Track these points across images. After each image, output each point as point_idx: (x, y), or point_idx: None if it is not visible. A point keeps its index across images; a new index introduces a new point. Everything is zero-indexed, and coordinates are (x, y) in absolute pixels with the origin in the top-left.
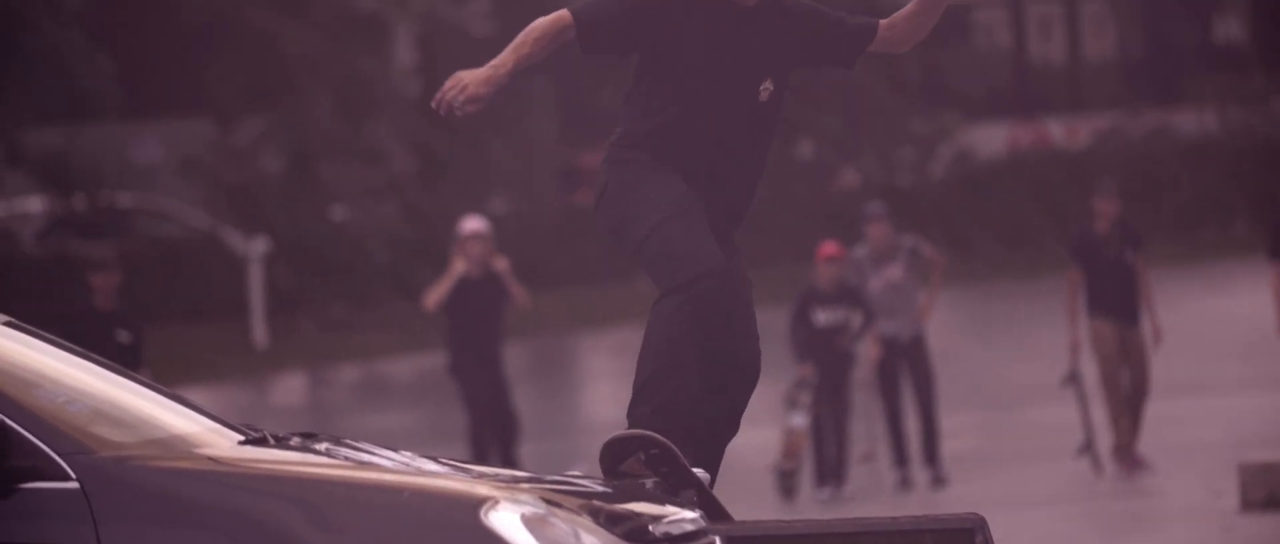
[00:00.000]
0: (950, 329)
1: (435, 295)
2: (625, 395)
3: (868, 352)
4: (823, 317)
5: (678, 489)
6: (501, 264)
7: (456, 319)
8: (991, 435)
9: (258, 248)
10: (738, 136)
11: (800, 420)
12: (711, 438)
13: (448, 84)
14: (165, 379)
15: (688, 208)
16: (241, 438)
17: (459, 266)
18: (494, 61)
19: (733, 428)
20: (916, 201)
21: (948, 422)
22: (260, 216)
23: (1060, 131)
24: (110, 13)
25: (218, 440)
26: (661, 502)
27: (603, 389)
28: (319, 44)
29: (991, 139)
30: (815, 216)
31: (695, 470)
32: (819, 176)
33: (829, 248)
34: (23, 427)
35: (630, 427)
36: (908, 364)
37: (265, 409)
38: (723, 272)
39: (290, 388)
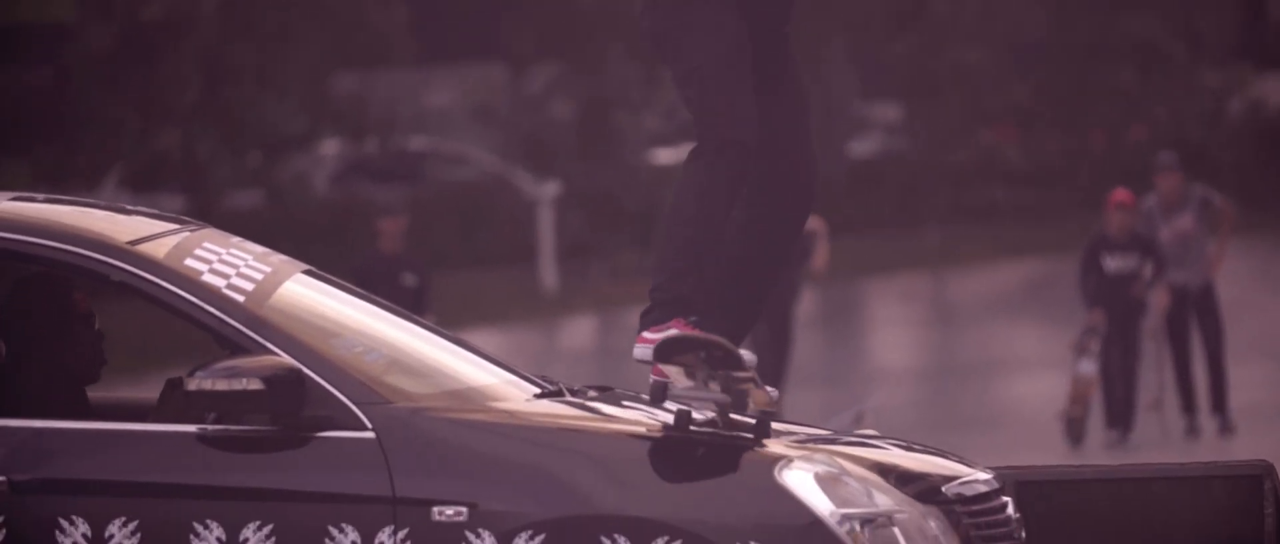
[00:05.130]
0: (1239, 280)
1: None
2: (912, 341)
3: (1158, 300)
4: (1112, 263)
5: (730, 389)
6: (817, 223)
7: None
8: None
9: (548, 192)
10: None
11: (1089, 367)
12: (749, 287)
13: None
14: (454, 323)
15: (736, 58)
16: (537, 391)
17: None
18: None
19: (780, 249)
20: (1207, 153)
21: (1235, 372)
22: (552, 162)
23: None
24: None
25: (513, 393)
26: (955, 461)
27: (890, 335)
28: None
29: None
30: (1106, 171)
31: (743, 352)
32: (1110, 130)
33: (1120, 194)
34: (321, 376)
35: (655, 299)
36: (1197, 314)
37: (553, 353)
38: (751, 146)
39: (579, 332)
